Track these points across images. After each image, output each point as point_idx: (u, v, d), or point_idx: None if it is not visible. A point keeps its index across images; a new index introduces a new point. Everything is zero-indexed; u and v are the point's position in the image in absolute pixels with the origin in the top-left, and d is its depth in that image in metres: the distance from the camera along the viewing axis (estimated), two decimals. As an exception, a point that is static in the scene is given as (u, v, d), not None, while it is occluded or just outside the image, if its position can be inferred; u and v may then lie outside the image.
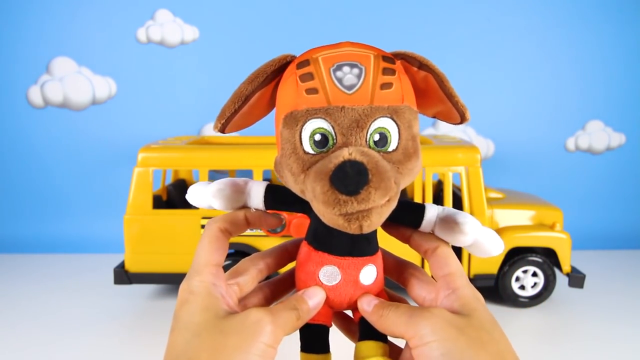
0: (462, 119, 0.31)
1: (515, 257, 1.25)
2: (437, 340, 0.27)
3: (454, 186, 1.41)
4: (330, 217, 0.27)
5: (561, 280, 1.31)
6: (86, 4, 1.62)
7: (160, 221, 1.22)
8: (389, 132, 0.29)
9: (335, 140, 0.29)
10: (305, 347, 0.34)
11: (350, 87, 0.29)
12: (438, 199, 1.37)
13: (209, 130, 1.70)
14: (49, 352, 1.02)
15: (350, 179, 0.26)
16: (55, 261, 1.57)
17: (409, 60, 0.31)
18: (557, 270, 1.27)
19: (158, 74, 1.67)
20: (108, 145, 1.69)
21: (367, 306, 0.32)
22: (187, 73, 1.67)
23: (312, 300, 0.32)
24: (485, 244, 0.33)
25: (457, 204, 1.27)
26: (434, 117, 0.33)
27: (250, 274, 0.34)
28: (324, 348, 0.34)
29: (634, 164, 1.77)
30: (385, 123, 0.29)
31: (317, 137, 0.29)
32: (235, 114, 0.31)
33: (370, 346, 0.32)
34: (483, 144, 1.77)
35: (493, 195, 1.37)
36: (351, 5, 1.67)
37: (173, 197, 1.38)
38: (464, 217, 0.32)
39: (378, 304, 0.31)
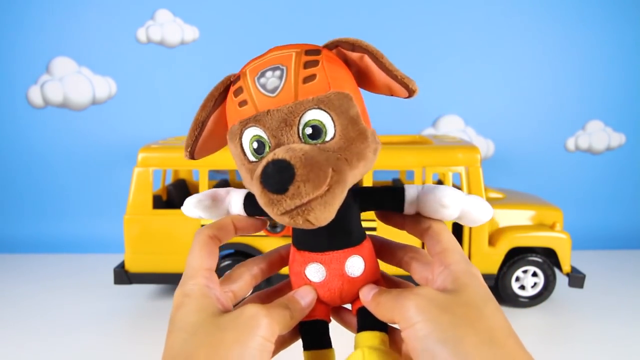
0: (410, 92, 0.31)
1: (515, 257, 1.25)
2: (422, 321, 0.26)
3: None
4: (275, 217, 0.28)
5: (561, 280, 1.31)
6: (86, 4, 1.62)
7: (160, 221, 1.22)
8: (322, 123, 0.29)
9: (270, 144, 0.30)
10: (307, 345, 0.34)
11: (273, 90, 0.30)
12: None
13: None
14: (49, 352, 1.02)
15: (272, 178, 0.27)
16: (55, 261, 1.57)
17: (343, 46, 0.31)
18: (557, 270, 1.27)
19: (158, 74, 1.67)
20: (108, 145, 1.69)
21: (366, 296, 0.32)
22: (187, 73, 1.67)
23: (304, 299, 0.33)
24: (472, 212, 0.32)
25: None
26: (390, 94, 0.33)
27: (244, 279, 0.34)
28: (326, 343, 0.34)
29: (634, 164, 1.77)
30: (314, 115, 0.29)
31: (255, 144, 0.30)
32: (197, 141, 0.33)
33: (367, 336, 0.32)
34: (483, 144, 1.77)
35: (493, 195, 1.37)
36: (351, 5, 1.67)
37: (173, 197, 1.38)
38: (442, 190, 0.32)
39: (376, 292, 0.31)
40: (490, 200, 1.30)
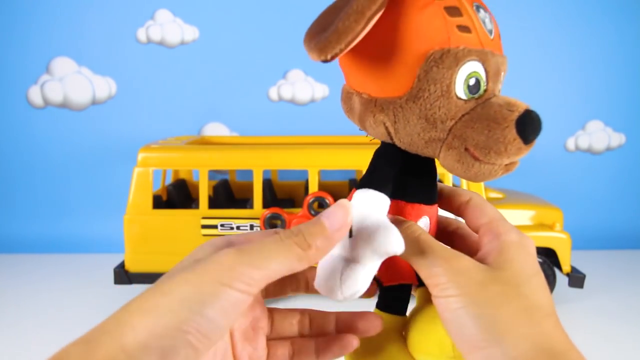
0: None
1: (515, 257, 1.24)
2: (459, 295, 0.25)
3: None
4: (497, 164, 0.27)
5: (561, 280, 1.31)
6: (86, 4, 1.62)
7: (160, 221, 1.22)
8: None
9: (486, 87, 0.27)
10: (380, 304, 0.32)
11: (490, 32, 0.28)
12: (438, 199, 1.37)
13: (209, 130, 1.70)
14: (49, 352, 1.01)
15: (535, 128, 0.26)
16: (55, 261, 1.57)
17: None
18: (557, 270, 1.27)
19: (158, 74, 1.67)
20: (108, 145, 1.69)
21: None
22: (187, 73, 1.67)
23: (330, 220, 0.26)
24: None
25: (457, 204, 1.27)
26: None
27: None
28: (401, 309, 0.32)
29: (634, 164, 1.77)
30: (503, 77, 0.29)
31: (472, 81, 0.27)
32: (355, 38, 0.25)
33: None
34: (483, 144, 1.76)
35: (493, 195, 1.37)
36: (351, 5, 1.67)
37: (173, 197, 1.38)
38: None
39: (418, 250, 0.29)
40: (490, 200, 1.30)
